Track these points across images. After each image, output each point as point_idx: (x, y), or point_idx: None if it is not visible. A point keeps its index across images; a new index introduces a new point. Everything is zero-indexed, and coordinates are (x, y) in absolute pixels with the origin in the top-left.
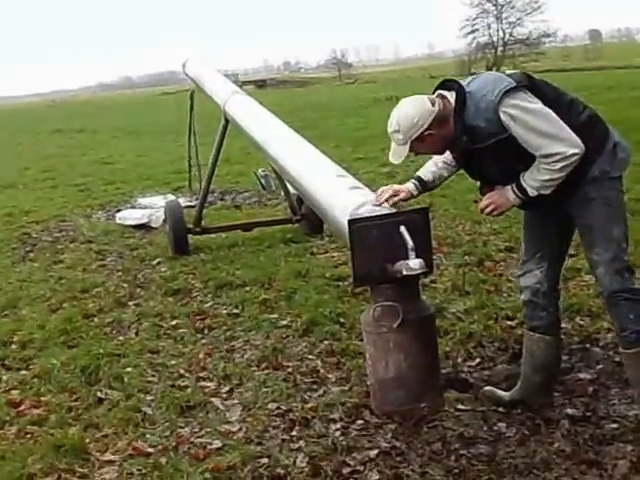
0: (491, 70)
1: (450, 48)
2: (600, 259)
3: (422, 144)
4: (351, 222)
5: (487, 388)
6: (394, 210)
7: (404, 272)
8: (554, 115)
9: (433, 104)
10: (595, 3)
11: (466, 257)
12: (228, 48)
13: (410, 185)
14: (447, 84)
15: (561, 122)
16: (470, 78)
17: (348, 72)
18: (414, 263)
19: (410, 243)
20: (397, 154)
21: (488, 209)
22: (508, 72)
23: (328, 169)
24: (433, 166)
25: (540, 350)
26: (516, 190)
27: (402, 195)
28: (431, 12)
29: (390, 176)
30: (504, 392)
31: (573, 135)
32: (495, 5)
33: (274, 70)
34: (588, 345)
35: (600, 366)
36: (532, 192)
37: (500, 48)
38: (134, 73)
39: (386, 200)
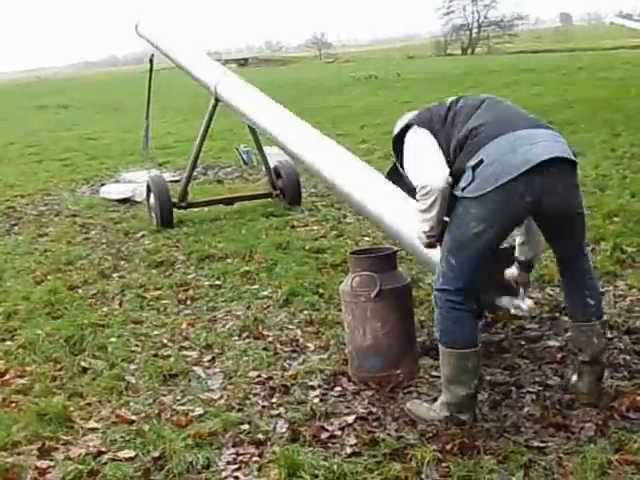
0: (466, 51)
1: (426, 30)
2: None
3: None
4: None
5: None
6: None
7: (512, 311)
8: (429, 148)
9: None
10: None
11: None
12: (210, 29)
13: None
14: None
15: (430, 155)
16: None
17: (328, 52)
18: (525, 304)
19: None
20: None
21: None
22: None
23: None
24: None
25: None
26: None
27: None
28: None
29: (369, 152)
30: None
31: (432, 170)
32: None
33: (256, 50)
34: (557, 314)
35: (568, 334)
36: (418, 223)
37: (475, 30)
38: (119, 52)
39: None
